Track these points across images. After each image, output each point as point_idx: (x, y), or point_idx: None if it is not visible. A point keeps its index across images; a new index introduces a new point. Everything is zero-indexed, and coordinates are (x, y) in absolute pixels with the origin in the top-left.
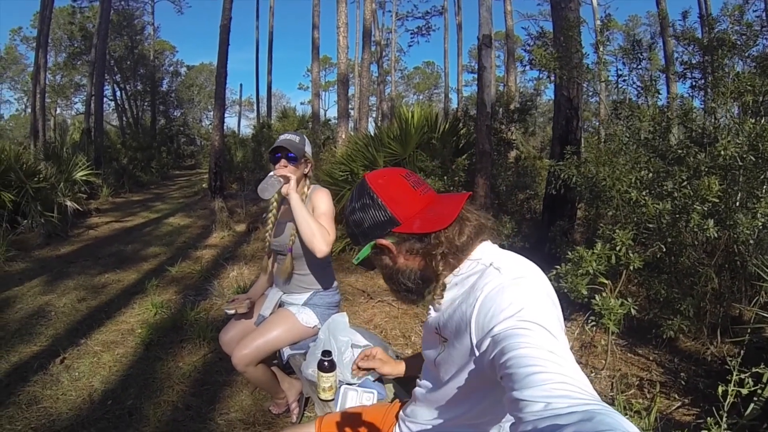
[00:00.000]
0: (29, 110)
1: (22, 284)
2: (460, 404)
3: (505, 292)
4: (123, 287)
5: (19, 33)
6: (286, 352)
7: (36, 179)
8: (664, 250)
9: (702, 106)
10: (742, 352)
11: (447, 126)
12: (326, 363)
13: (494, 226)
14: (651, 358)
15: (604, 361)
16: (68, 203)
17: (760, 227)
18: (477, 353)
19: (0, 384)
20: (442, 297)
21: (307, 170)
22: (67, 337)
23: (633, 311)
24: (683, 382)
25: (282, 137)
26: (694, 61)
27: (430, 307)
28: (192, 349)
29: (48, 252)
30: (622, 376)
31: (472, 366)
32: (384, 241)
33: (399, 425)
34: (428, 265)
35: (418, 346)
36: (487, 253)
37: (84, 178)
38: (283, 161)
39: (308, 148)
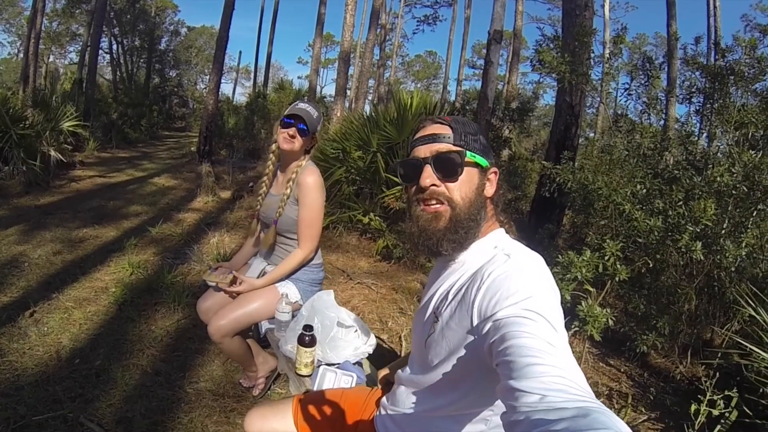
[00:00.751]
0: (21, 55)
1: None
2: (446, 393)
3: (512, 279)
4: (100, 243)
5: None
6: (264, 325)
7: (21, 125)
8: (650, 265)
9: (701, 133)
10: (715, 374)
11: (445, 115)
12: (307, 338)
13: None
14: (622, 370)
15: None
16: (52, 153)
17: (744, 256)
18: (475, 337)
19: None
20: (459, 256)
21: (309, 146)
22: (39, 290)
23: (610, 321)
24: (651, 397)
25: (301, 104)
26: (700, 86)
27: (435, 278)
28: (166, 313)
29: (27, 201)
30: (592, 384)
31: (465, 350)
32: (496, 171)
33: (380, 412)
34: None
35: (395, 332)
36: (498, 239)
37: (71, 128)
38: (292, 130)
39: (320, 126)
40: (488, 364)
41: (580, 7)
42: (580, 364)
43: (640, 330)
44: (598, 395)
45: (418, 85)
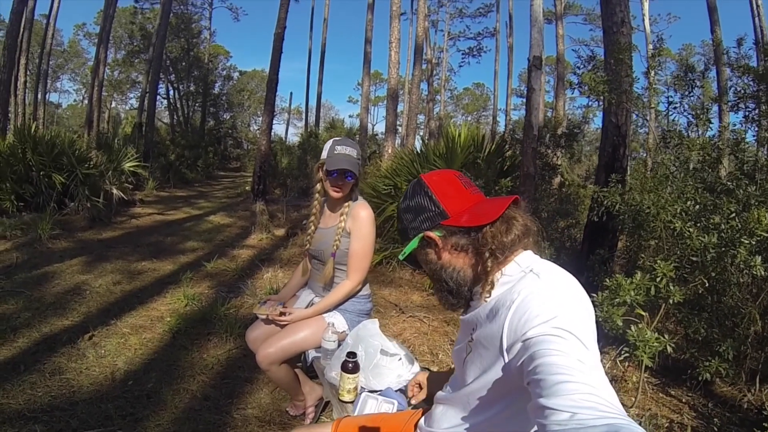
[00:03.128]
0: (86, 101)
1: (62, 262)
2: (481, 412)
3: (541, 298)
4: (158, 276)
5: (82, 28)
6: (311, 354)
7: (86, 165)
8: (707, 285)
9: (755, 139)
10: None
11: (493, 147)
12: (350, 364)
13: (540, 230)
14: (684, 401)
15: (634, 399)
16: (114, 191)
17: None
18: (507, 358)
19: (28, 351)
20: (490, 295)
21: (356, 182)
22: (98, 316)
23: (669, 348)
24: (716, 429)
25: (340, 150)
26: (748, 92)
27: (472, 306)
28: (218, 343)
29: (90, 235)
30: (651, 416)
31: (498, 371)
32: (432, 234)
33: None
34: (475, 262)
35: (445, 364)
36: (528, 260)
37: (132, 169)
38: (340, 182)
39: (361, 160)
40: (520, 385)
41: (616, 24)
42: (637, 395)
43: (702, 356)
44: (657, 428)
45: (468, 118)
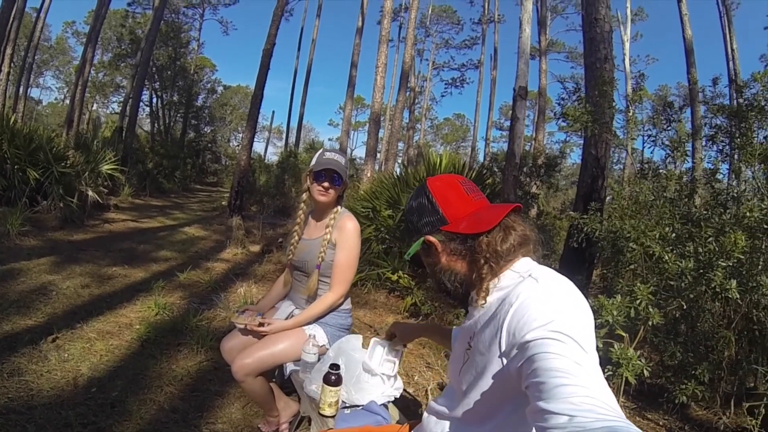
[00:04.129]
0: (68, 100)
1: (30, 260)
2: (480, 422)
3: (539, 302)
4: (128, 282)
5: (72, 26)
6: (289, 367)
7: (63, 164)
8: (684, 308)
9: (727, 173)
10: (763, 423)
11: (474, 174)
12: (333, 377)
13: (539, 239)
14: (661, 423)
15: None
16: (90, 193)
17: None
18: (504, 361)
19: None
20: (485, 302)
21: (342, 192)
22: (64, 318)
23: (646, 372)
24: None
25: (329, 155)
26: (723, 127)
27: (470, 314)
28: (188, 354)
29: (61, 235)
30: None
31: (496, 376)
32: (431, 238)
33: None
34: (471, 269)
35: (421, 386)
36: (527, 265)
37: (109, 172)
38: (326, 183)
39: (348, 170)
40: (519, 389)
41: (600, 60)
42: None
43: (677, 380)
44: None
45: (447, 148)
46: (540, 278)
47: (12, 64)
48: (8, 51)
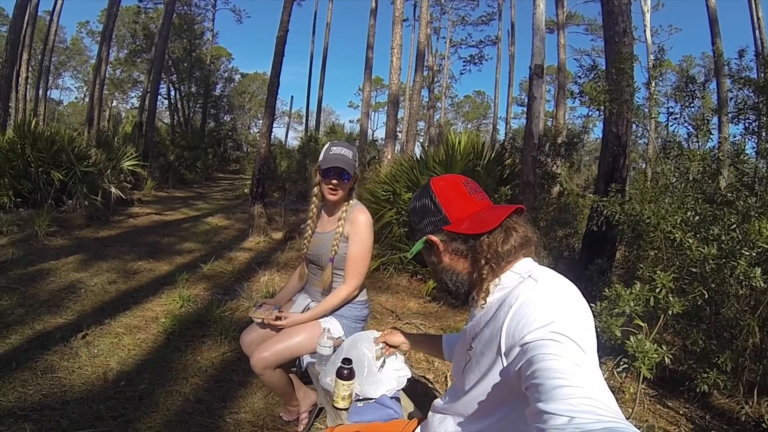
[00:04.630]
0: (87, 99)
1: (58, 259)
2: (481, 419)
3: (539, 303)
4: (154, 276)
5: (85, 26)
6: (306, 359)
7: (85, 163)
8: (706, 296)
9: (755, 150)
10: None
11: (493, 155)
12: (345, 371)
13: (540, 241)
14: (681, 412)
15: (631, 410)
16: (113, 190)
17: None
18: (505, 362)
19: (20, 348)
20: (485, 302)
21: (353, 185)
22: (93, 315)
23: (667, 360)
24: None
25: (335, 150)
26: (748, 103)
27: (471, 315)
28: (212, 346)
29: (87, 233)
30: (648, 428)
31: (496, 376)
32: (433, 238)
33: None
34: (471, 269)
35: (441, 371)
36: (527, 266)
37: (131, 168)
38: (334, 181)
39: (357, 162)
40: (519, 390)
41: (618, 33)
42: (634, 406)
43: (700, 368)
44: None
45: (468, 126)
46: (540, 279)
47: (30, 69)
48: (25, 56)
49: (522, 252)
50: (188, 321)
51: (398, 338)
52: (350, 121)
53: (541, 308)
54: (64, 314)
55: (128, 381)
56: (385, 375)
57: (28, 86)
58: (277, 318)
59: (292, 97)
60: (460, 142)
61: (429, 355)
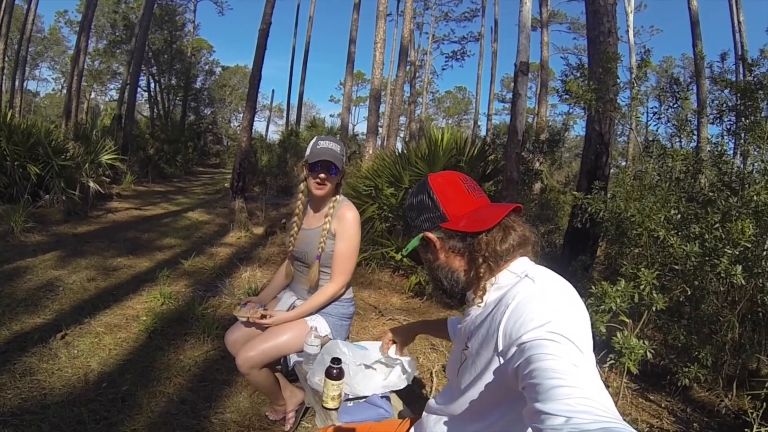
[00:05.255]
0: (65, 91)
1: (35, 256)
2: (478, 419)
3: (536, 302)
4: (134, 273)
5: (64, 16)
6: (293, 358)
7: (63, 157)
8: (688, 293)
9: (734, 151)
10: (762, 405)
11: (476, 151)
12: (335, 371)
13: (538, 241)
14: (663, 406)
15: (614, 404)
16: (91, 184)
17: None
18: (501, 361)
19: None
20: (482, 301)
21: (340, 180)
22: (72, 314)
23: (649, 354)
24: None
25: (323, 144)
26: (730, 104)
27: (466, 313)
28: (195, 344)
29: (65, 229)
30: (632, 421)
31: (493, 376)
32: (430, 235)
33: None
34: (468, 267)
35: (426, 368)
36: (523, 265)
37: (109, 161)
38: (322, 175)
39: (345, 157)
40: (515, 390)
41: (603, 33)
42: (617, 400)
43: (681, 362)
44: None
45: (449, 122)
46: (536, 278)
47: (6, 59)
48: (1, 46)
49: (519, 251)
50: (170, 319)
51: (409, 340)
52: (331, 116)
53: (538, 307)
54: (42, 314)
55: (110, 382)
56: (376, 373)
57: (4, 77)
58: (263, 316)
59: (273, 90)
60: (442, 138)
61: (438, 337)
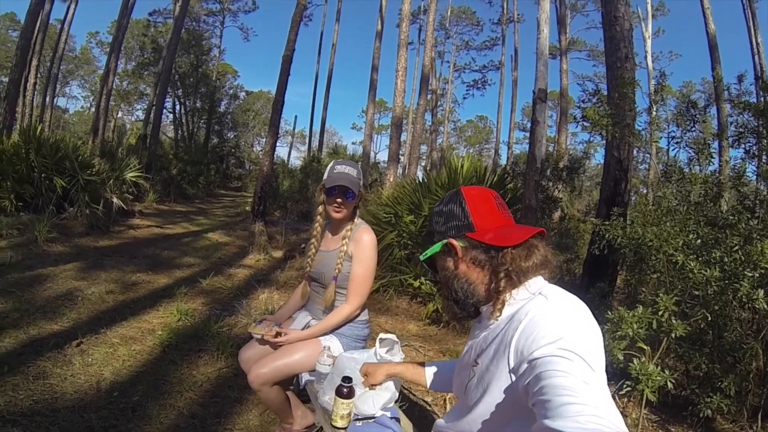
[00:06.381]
0: (93, 109)
1: (57, 265)
2: None
3: (548, 319)
4: (152, 288)
5: (95, 36)
6: (305, 377)
7: (89, 172)
8: (709, 319)
9: (756, 174)
10: None
11: (495, 179)
12: (345, 389)
13: (558, 265)
14: None
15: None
16: (115, 200)
17: None
18: (513, 378)
19: (14, 352)
20: (500, 314)
21: (357, 204)
22: (89, 323)
23: (670, 384)
24: None
25: (340, 169)
26: (749, 127)
27: (475, 329)
28: (209, 360)
29: (87, 242)
30: None
31: (504, 392)
32: (454, 242)
33: None
34: (489, 281)
35: (440, 394)
36: (538, 284)
37: (133, 179)
38: (339, 199)
39: (362, 180)
40: (525, 406)
41: (620, 59)
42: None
43: (703, 392)
44: None
45: (470, 150)
46: (550, 296)
47: (38, 75)
48: (34, 62)
49: (539, 272)
50: (185, 335)
51: (378, 377)
52: (353, 143)
53: (550, 324)
54: (59, 321)
55: (122, 392)
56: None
57: (36, 92)
58: (277, 334)
59: (296, 116)
60: (462, 166)
61: (412, 381)
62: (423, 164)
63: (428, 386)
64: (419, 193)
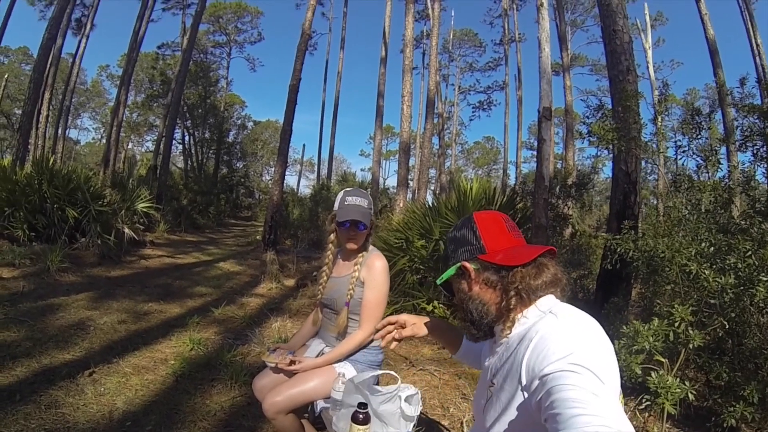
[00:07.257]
0: (104, 140)
1: (69, 295)
2: None
3: (558, 336)
4: (164, 318)
5: (106, 70)
6: (320, 404)
7: (100, 203)
8: (726, 327)
9: (765, 176)
10: None
11: (504, 199)
12: (361, 416)
13: (568, 283)
14: None
15: None
16: (126, 230)
17: None
18: (525, 395)
19: (26, 381)
20: (510, 332)
21: (369, 233)
22: (101, 353)
23: (691, 396)
24: None
25: (350, 201)
26: (754, 130)
27: (492, 350)
28: (222, 390)
29: (99, 272)
30: None
31: (518, 410)
32: (467, 265)
33: None
34: (500, 300)
35: (456, 417)
36: (548, 303)
37: (144, 210)
38: (352, 232)
39: (372, 209)
40: (540, 423)
41: (622, 72)
42: None
43: (725, 402)
44: None
45: (479, 172)
46: (560, 314)
47: (51, 108)
48: (47, 95)
49: (550, 290)
50: (198, 364)
51: (422, 329)
52: (362, 170)
53: (560, 341)
54: (71, 350)
55: (134, 421)
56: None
57: (48, 124)
58: (291, 362)
59: (304, 145)
60: (471, 189)
61: (441, 343)
62: (432, 188)
63: (456, 354)
64: (429, 218)
